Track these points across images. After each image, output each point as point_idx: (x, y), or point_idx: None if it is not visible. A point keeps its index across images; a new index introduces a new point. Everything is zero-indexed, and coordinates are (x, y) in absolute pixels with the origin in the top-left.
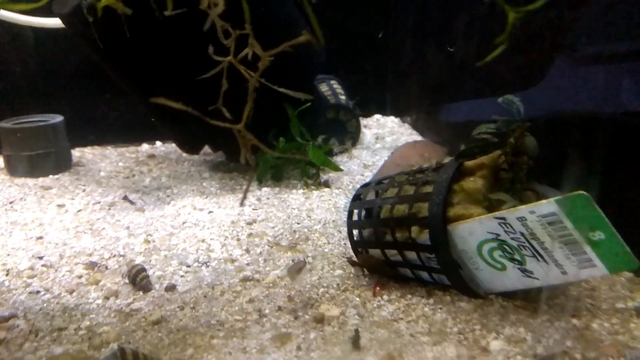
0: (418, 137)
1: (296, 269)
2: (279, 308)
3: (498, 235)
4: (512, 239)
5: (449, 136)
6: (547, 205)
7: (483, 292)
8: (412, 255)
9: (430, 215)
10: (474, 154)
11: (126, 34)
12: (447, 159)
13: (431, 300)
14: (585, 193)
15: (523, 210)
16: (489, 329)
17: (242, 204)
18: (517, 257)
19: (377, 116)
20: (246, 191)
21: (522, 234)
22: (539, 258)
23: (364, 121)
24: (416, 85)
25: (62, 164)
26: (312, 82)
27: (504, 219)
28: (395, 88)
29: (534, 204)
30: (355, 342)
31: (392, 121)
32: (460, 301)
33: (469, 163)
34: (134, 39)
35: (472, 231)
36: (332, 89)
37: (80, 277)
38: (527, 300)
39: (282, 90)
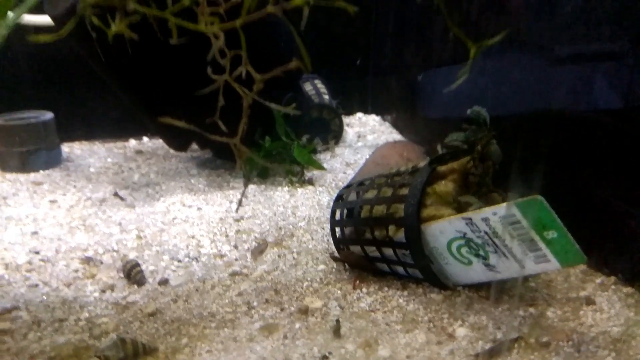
0: (398, 136)
1: (258, 250)
2: (267, 301)
3: (465, 233)
4: (478, 237)
5: (426, 135)
6: (507, 208)
7: (452, 285)
8: (389, 251)
9: (406, 216)
10: (446, 160)
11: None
12: (423, 160)
13: (405, 292)
14: (539, 197)
15: (487, 211)
16: (456, 317)
17: (237, 211)
18: (481, 253)
19: (359, 114)
20: (240, 200)
21: (486, 233)
22: (501, 254)
23: (346, 119)
24: (395, 85)
25: (52, 159)
26: (298, 81)
27: (470, 219)
28: (376, 87)
29: (496, 206)
30: (336, 331)
31: (373, 119)
32: (432, 293)
33: (441, 168)
34: (133, 51)
35: (443, 230)
36: (316, 88)
37: (76, 271)
38: (490, 291)
39: (272, 106)
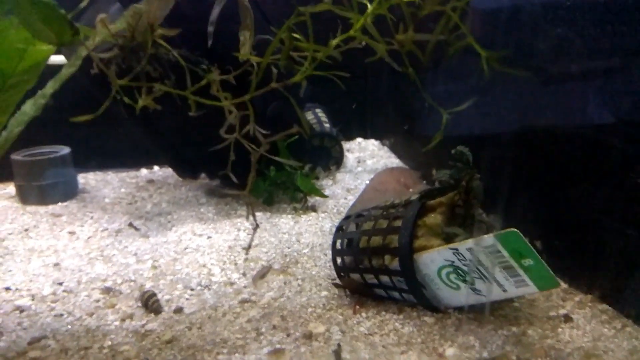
0: (396, 160)
1: (260, 274)
2: (274, 327)
3: (453, 262)
4: (464, 264)
5: (422, 160)
6: (488, 239)
7: (443, 308)
8: (385, 278)
9: (400, 246)
10: (434, 195)
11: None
12: (419, 184)
13: (401, 316)
14: (515, 230)
15: (470, 242)
16: (446, 338)
17: (247, 253)
18: (468, 279)
19: (359, 139)
20: (251, 242)
21: (471, 261)
22: (485, 279)
23: (346, 145)
24: (392, 111)
25: (69, 191)
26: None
27: (456, 249)
28: (374, 113)
29: (479, 238)
30: (338, 354)
31: (372, 144)
32: (425, 316)
33: (431, 202)
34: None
35: (433, 259)
36: (317, 117)
37: (97, 301)
38: (477, 313)
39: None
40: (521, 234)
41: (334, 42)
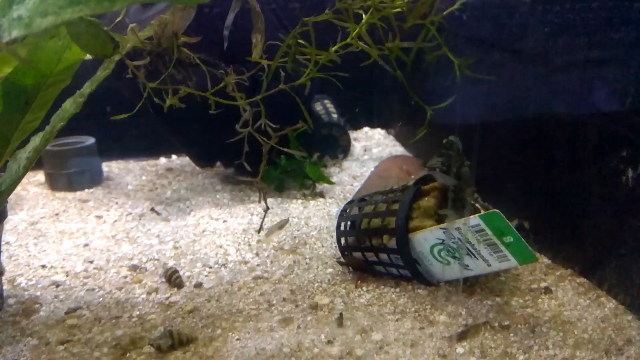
0: (400, 148)
1: (278, 226)
2: (284, 299)
3: (443, 240)
4: (453, 242)
5: (424, 148)
6: (474, 219)
7: (436, 281)
8: (384, 256)
9: (397, 227)
10: (428, 181)
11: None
12: (421, 171)
13: (398, 289)
14: (497, 211)
15: (458, 223)
16: (437, 307)
17: (259, 232)
18: (457, 255)
19: (366, 129)
20: (262, 222)
21: (459, 239)
22: (472, 255)
23: (354, 134)
24: (397, 101)
25: (95, 179)
26: (310, 104)
27: (446, 229)
28: (380, 103)
29: (466, 218)
30: (340, 322)
31: (379, 133)
32: (419, 289)
33: (425, 187)
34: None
35: (426, 238)
36: (325, 108)
37: (125, 277)
38: (466, 286)
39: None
40: (502, 214)
41: (334, 48)
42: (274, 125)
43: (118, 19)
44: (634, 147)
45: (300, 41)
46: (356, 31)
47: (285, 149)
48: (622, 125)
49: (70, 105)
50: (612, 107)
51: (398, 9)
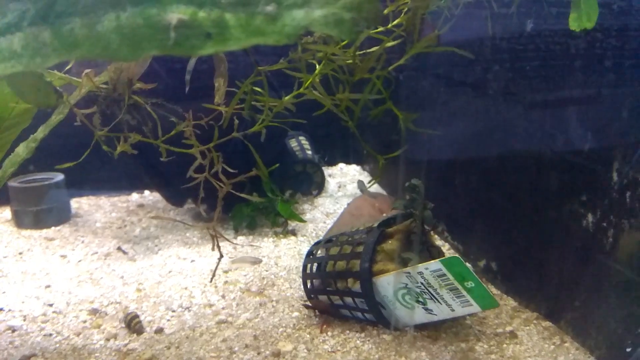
0: (375, 185)
1: (249, 261)
2: (246, 346)
3: (407, 284)
4: (416, 286)
5: (396, 186)
6: (435, 264)
7: (401, 326)
8: (349, 299)
9: (361, 270)
10: (392, 224)
11: None
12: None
13: (363, 334)
14: (457, 256)
15: (420, 267)
16: (401, 354)
17: (211, 281)
18: (420, 299)
19: (341, 165)
20: (215, 271)
21: (422, 284)
22: (435, 300)
23: (329, 170)
24: (371, 137)
25: (63, 216)
26: (283, 141)
27: (409, 273)
28: (355, 139)
29: (427, 263)
30: None
31: (354, 169)
32: (384, 334)
33: (389, 229)
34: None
35: (390, 282)
36: (300, 144)
37: (84, 322)
38: (431, 330)
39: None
40: (462, 259)
41: (287, 98)
42: (231, 170)
43: (67, 67)
44: (593, 192)
45: (256, 89)
46: (309, 81)
47: (244, 196)
48: (581, 169)
49: (22, 150)
50: (572, 151)
51: (350, 61)
